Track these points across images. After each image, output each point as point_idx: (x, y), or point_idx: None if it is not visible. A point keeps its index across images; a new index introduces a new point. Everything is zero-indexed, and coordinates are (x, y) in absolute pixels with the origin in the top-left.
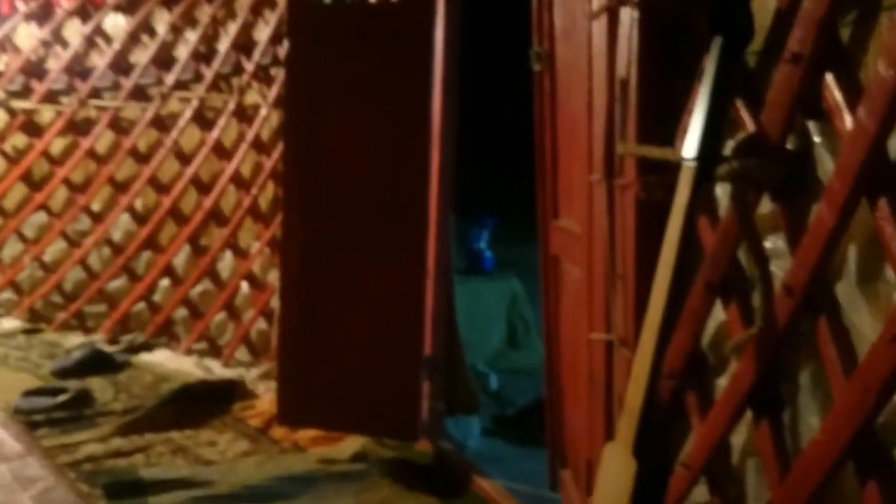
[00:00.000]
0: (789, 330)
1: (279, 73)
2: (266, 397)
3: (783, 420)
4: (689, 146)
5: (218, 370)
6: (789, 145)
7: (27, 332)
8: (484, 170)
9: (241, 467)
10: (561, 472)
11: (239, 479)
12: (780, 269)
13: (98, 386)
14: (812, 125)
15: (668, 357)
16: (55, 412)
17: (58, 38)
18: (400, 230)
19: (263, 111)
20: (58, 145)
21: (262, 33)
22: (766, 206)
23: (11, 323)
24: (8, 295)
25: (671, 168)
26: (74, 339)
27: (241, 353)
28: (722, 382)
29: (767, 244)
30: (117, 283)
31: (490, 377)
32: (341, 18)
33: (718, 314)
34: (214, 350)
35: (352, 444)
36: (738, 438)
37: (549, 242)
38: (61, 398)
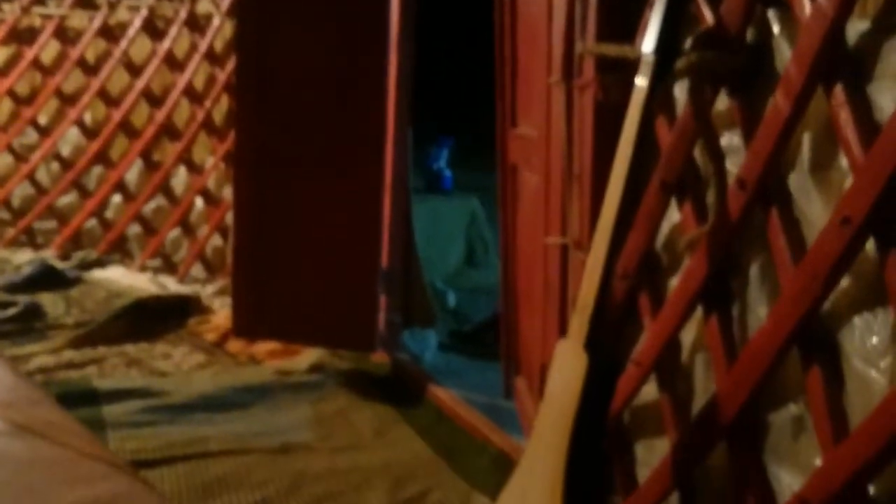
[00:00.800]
0: (742, 224)
1: None
2: (222, 312)
3: (732, 314)
4: (648, 41)
5: (173, 286)
6: (748, 37)
7: None
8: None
9: (196, 378)
10: (515, 380)
11: (194, 389)
12: (734, 167)
13: (49, 301)
14: (772, 14)
15: (622, 258)
16: (5, 325)
17: None
18: (357, 143)
19: (216, 21)
20: (0, 55)
21: None
22: (722, 102)
23: None
24: None
25: (630, 67)
26: (24, 256)
27: (197, 270)
28: (674, 282)
29: (723, 141)
30: (67, 199)
31: (448, 295)
32: None
33: (673, 215)
34: (169, 267)
35: (308, 356)
36: (688, 336)
37: (506, 151)
38: (11, 311)
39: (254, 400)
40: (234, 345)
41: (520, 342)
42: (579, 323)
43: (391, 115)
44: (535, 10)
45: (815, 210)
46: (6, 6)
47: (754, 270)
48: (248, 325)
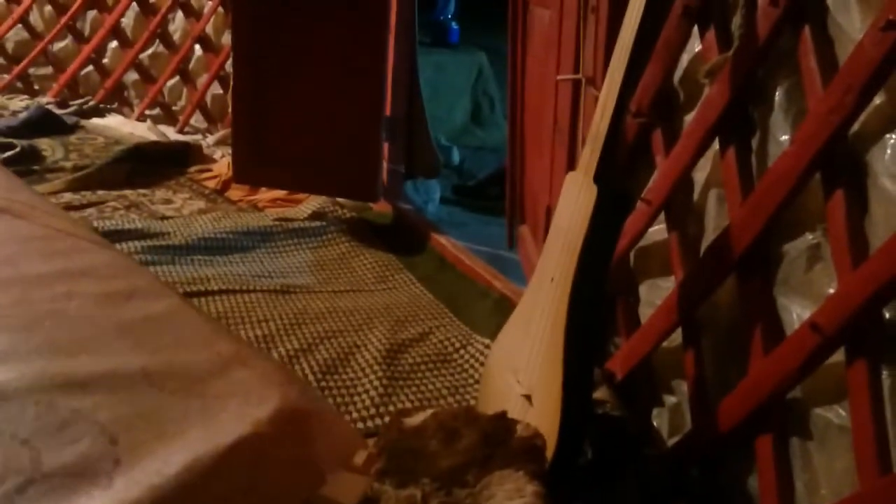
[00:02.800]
0: (769, 45)
1: None
2: (223, 161)
3: (751, 144)
4: None
5: (173, 136)
6: None
7: None
8: None
9: (196, 222)
10: (519, 229)
11: (194, 232)
12: None
13: (47, 145)
14: None
15: (638, 93)
16: (7, 163)
17: None
18: None
19: None
20: None
21: None
22: None
23: None
24: None
25: None
26: (21, 103)
27: (197, 120)
28: (690, 118)
29: None
30: (63, 44)
31: (453, 151)
32: None
33: (693, 47)
34: (168, 116)
35: (309, 204)
36: (702, 175)
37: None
38: (8, 153)
39: (254, 244)
40: (235, 192)
41: (525, 190)
42: (590, 154)
43: None
44: None
45: (854, 21)
46: None
47: (779, 95)
48: (248, 171)
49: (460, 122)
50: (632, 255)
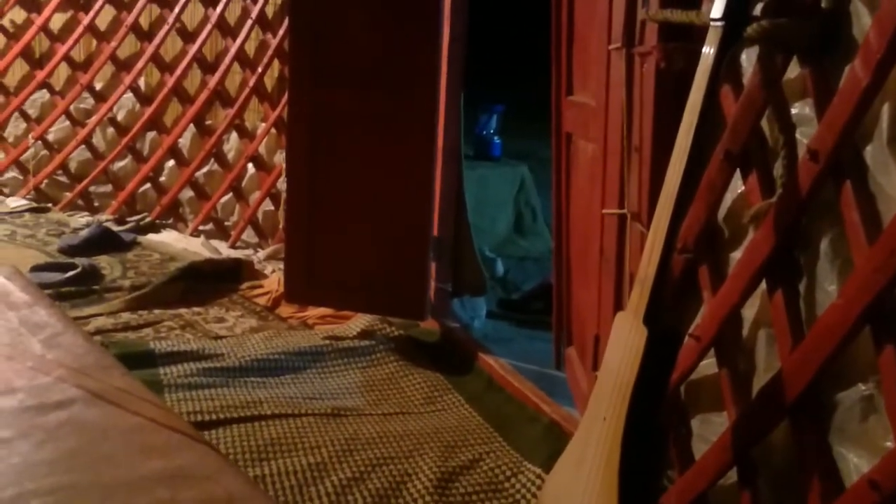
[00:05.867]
0: (812, 196)
1: None
2: (273, 277)
3: (799, 289)
4: (717, 7)
5: (225, 251)
6: (823, 2)
7: (33, 210)
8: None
9: (249, 342)
10: (566, 351)
11: (247, 352)
12: (804, 137)
13: (106, 263)
14: None
15: (683, 231)
16: (64, 286)
17: None
18: (409, 109)
19: None
20: (57, 21)
21: None
22: (793, 70)
23: (17, 201)
24: (13, 174)
25: (695, 34)
26: (81, 219)
27: (248, 235)
28: (736, 256)
29: (794, 111)
30: (122, 164)
31: (497, 263)
32: None
33: (736, 186)
34: (221, 231)
35: (358, 322)
36: (750, 312)
37: (562, 119)
38: (70, 273)
39: (305, 364)
40: (286, 309)
41: (572, 313)
42: (639, 296)
43: (443, 83)
44: None
45: (893, 183)
46: None
47: (824, 245)
48: (299, 290)
49: (503, 233)
50: (682, 388)
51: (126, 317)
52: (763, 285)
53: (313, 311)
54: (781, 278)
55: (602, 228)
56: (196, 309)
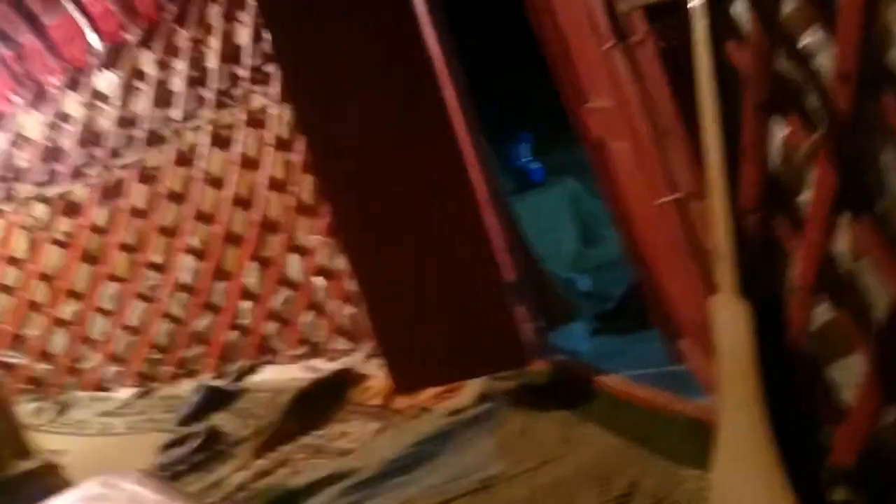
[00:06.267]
0: (856, 117)
1: (272, 69)
2: (378, 374)
3: (882, 207)
4: None
5: (324, 367)
6: None
7: (141, 395)
8: (508, 89)
9: (377, 446)
10: (678, 344)
11: (379, 457)
12: (822, 63)
13: (223, 420)
14: None
15: (743, 193)
16: (194, 457)
17: (61, 116)
18: (437, 171)
19: (273, 110)
20: (101, 216)
21: (243, 36)
22: (789, 5)
23: (125, 393)
24: (113, 368)
25: (678, 8)
26: (186, 386)
27: (341, 343)
28: (804, 199)
29: (805, 41)
30: (204, 321)
31: (578, 280)
32: None
33: (778, 133)
34: (314, 350)
35: (471, 389)
36: (842, 244)
37: (587, 128)
38: (196, 442)
39: (438, 448)
40: (399, 401)
41: (670, 306)
42: (725, 272)
43: (461, 130)
44: None
45: None
46: (90, 170)
47: (885, 161)
48: (405, 379)
49: (572, 250)
50: (808, 343)
51: (258, 464)
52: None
53: (425, 394)
54: (858, 204)
55: (665, 218)
56: (318, 433)
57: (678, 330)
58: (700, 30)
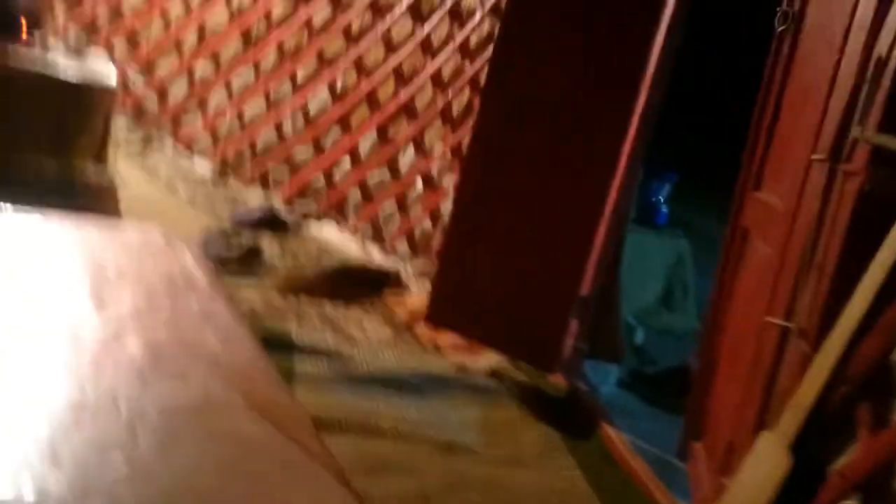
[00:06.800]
0: None
1: None
2: (416, 294)
3: None
4: None
5: (377, 256)
6: None
7: (215, 177)
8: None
9: (377, 352)
10: (693, 445)
11: (378, 363)
12: None
13: (267, 243)
14: None
15: (853, 362)
16: (228, 259)
17: None
18: (587, 168)
19: (477, 16)
20: (279, 9)
21: None
22: None
23: (204, 166)
24: (206, 139)
25: None
26: (255, 194)
27: (402, 246)
28: None
29: None
30: (303, 152)
31: (637, 331)
32: None
33: None
34: (378, 237)
35: (488, 359)
36: None
37: (742, 213)
38: (235, 246)
39: (431, 389)
40: (422, 329)
41: (709, 409)
42: (791, 421)
43: (627, 148)
44: (814, 77)
45: None
46: None
47: None
48: (440, 314)
49: (650, 303)
50: None
51: (276, 301)
52: None
53: (446, 336)
54: None
55: (761, 335)
56: (339, 307)
57: (700, 432)
58: None
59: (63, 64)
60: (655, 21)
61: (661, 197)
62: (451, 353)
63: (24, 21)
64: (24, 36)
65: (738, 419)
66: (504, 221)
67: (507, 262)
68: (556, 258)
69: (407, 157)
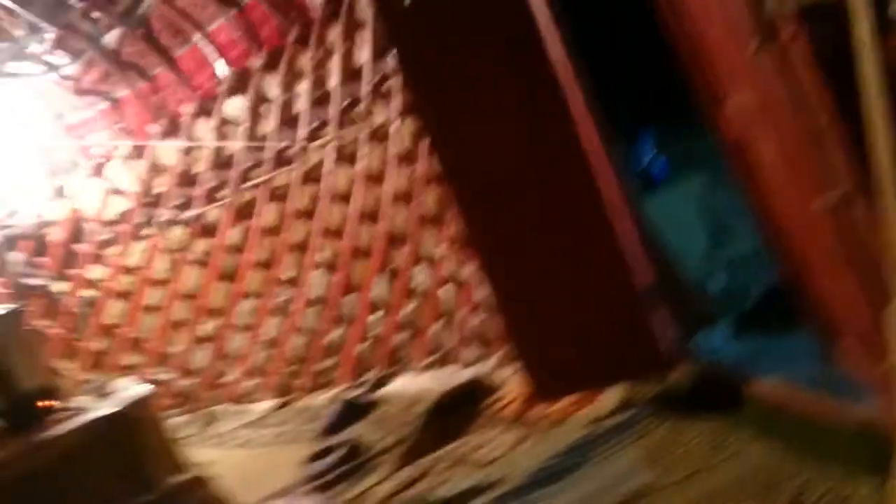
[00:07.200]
0: None
1: (392, 84)
2: (509, 385)
3: None
4: None
5: (456, 374)
6: None
7: (279, 407)
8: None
9: (518, 457)
10: (836, 345)
11: (521, 468)
12: None
13: (362, 431)
14: None
15: None
16: (338, 468)
17: (194, 141)
18: (567, 177)
19: (395, 125)
20: (234, 235)
21: (364, 55)
22: None
23: (264, 405)
24: (252, 381)
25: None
26: (321, 398)
27: (468, 352)
28: None
29: None
30: (335, 334)
31: (710, 280)
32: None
33: None
34: (444, 358)
35: (609, 397)
36: None
37: (725, 128)
38: (338, 454)
39: (580, 459)
40: (535, 412)
41: (826, 308)
42: None
43: (593, 142)
44: None
45: None
46: (221, 193)
47: None
48: (544, 388)
49: (702, 249)
50: None
51: (401, 476)
52: None
53: (563, 402)
54: None
55: (818, 220)
56: (456, 443)
57: (836, 331)
58: (864, 29)
59: (96, 406)
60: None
61: (649, 156)
62: (574, 412)
63: (39, 405)
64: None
65: (855, 304)
66: (535, 268)
67: (563, 301)
68: (598, 269)
69: (421, 277)
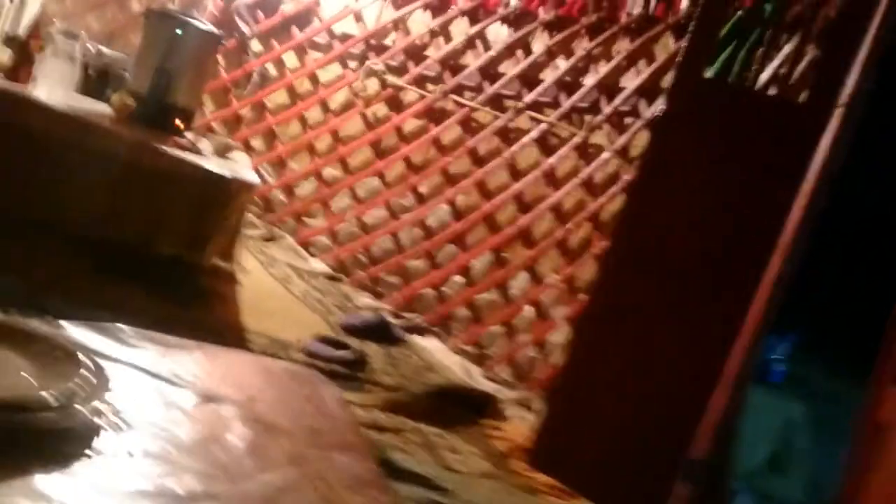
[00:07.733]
0: None
1: (633, 124)
2: (515, 424)
3: None
4: None
5: (478, 377)
6: None
7: (329, 277)
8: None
9: (477, 486)
10: None
11: (473, 497)
12: None
13: (373, 353)
14: None
15: None
16: (335, 365)
17: (444, 31)
18: (709, 327)
19: (606, 155)
20: (410, 125)
21: (630, 81)
22: None
23: (319, 265)
24: (324, 240)
25: None
26: (365, 299)
27: (504, 372)
28: None
29: None
30: (417, 263)
31: (740, 496)
32: (724, 101)
33: None
34: (480, 358)
35: None
36: None
37: (878, 408)
38: (343, 352)
39: None
40: (519, 464)
41: None
42: None
43: (757, 309)
44: None
45: None
46: (431, 87)
47: None
48: (544, 457)
49: (755, 464)
50: None
51: (378, 415)
52: None
53: (544, 478)
54: None
55: None
56: (436, 430)
57: None
58: None
59: (210, 159)
60: (800, 176)
61: (778, 356)
62: (547, 494)
63: (177, 120)
64: (177, 134)
65: None
66: (618, 371)
67: (617, 415)
68: (667, 416)
69: (519, 283)
